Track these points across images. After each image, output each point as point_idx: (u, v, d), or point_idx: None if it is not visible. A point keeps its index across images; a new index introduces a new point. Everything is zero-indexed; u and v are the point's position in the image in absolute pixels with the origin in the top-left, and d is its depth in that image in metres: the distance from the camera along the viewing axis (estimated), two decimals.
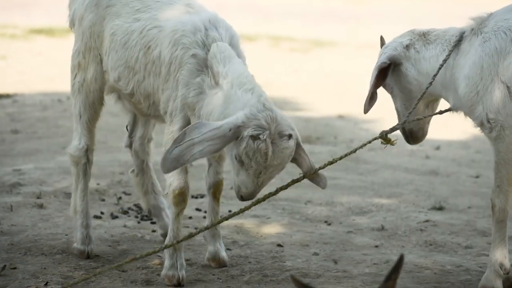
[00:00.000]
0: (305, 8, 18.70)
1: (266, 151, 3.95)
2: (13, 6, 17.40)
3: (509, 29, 4.15)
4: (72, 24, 4.89)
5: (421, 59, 4.42)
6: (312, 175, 4.19)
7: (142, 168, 5.18)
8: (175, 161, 3.98)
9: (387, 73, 4.49)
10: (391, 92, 4.57)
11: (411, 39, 4.45)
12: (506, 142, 4.15)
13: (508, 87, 4.11)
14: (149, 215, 5.30)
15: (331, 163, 4.17)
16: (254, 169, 3.99)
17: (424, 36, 4.45)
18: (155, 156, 6.85)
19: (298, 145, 4.13)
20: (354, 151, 4.24)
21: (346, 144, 7.84)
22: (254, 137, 3.95)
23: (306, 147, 8.31)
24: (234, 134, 3.97)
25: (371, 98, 4.52)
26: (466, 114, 4.30)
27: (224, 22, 4.45)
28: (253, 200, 4.08)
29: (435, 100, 4.54)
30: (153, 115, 4.66)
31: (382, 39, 4.65)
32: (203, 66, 4.33)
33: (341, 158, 4.25)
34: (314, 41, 14.26)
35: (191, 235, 4.03)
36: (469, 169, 7.14)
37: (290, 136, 4.04)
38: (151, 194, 5.17)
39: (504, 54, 4.13)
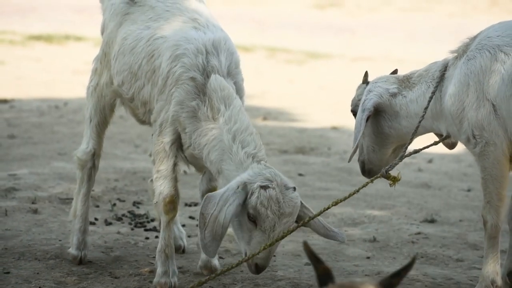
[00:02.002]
0: (301, 20, 18.77)
1: (278, 197, 4.08)
2: (12, 12, 17.43)
3: (493, 48, 4.17)
4: (102, 32, 4.98)
5: (408, 103, 4.42)
6: (307, 222, 4.24)
7: None
8: (214, 241, 4.10)
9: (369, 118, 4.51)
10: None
11: (399, 87, 4.46)
12: (491, 159, 4.17)
13: (493, 105, 4.13)
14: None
15: (325, 209, 4.24)
16: (270, 219, 4.07)
17: (408, 81, 4.47)
18: (143, 162, 6.89)
19: (301, 202, 4.25)
20: (357, 190, 4.32)
21: (339, 156, 7.87)
22: (265, 187, 4.08)
23: (299, 158, 8.35)
24: (243, 190, 4.10)
25: (357, 146, 4.52)
26: (457, 135, 4.31)
27: (227, 46, 4.48)
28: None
29: (402, 145, 4.56)
30: (148, 122, 4.71)
31: (366, 74, 4.64)
32: (200, 92, 4.39)
33: (339, 201, 4.28)
34: (310, 52, 14.32)
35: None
36: (461, 182, 7.18)
37: (294, 188, 4.17)
38: None
39: (489, 72, 4.15)
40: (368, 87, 4.52)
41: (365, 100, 4.46)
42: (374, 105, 4.44)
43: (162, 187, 4.46)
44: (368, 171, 4.64)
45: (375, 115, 4.48)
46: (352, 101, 4.64)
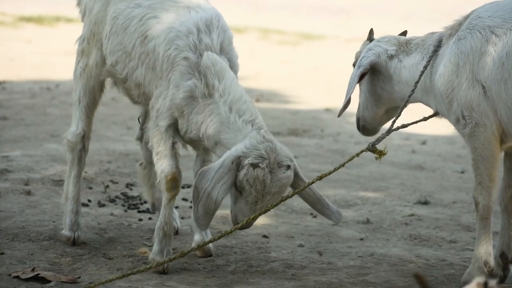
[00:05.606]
0: (295, 1, 18.73)
1: (264, 178, 4.13)
2: None
3: (484, 29, 4.15)
4: (83, 16, 4.97)
5: (402, 68, 4.45)
6: (300, 190, 4.27)
7: (151, 161, 5.17)
8: (206, 215, 4.17)
9: (364, 76, 4.54)
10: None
11: (397, 50, 4.48)
12: (482, 139, 4.17)
13: (483, 86, 4.13)
14: (152, 208, 5.32)
15: (320, 178, 4.25)
16: (253, 196, 4.16)
17: (407, 46, 4.48)
18: (136, 144, 6.87)
19: (296, 175, 4.27)
20: (343, 165, 4.34)
21: (333, 137, 7.88)
22: (254, 165, 4.13)
23: (293, 139, 8.36)
24: (237, 165, 4.15)
25: (348, 102, 4.56)
26: (446, 114, 4.32)
27: (219, 23, 4.49)
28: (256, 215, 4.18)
29: (395, 108, 4.56)
30: (144, 104, 4.72)
31: (371, 32, 4.67)
32: (195, 70, 4.40)
33: (329, 173, 4.31)
34: (304, 34, 14.30)
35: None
36: (455, 164, 7.20)
37: (288, 166, 4.18)
38: (156, 188, 5.19)
39: (479, 53, 4.14)
40: (370, 45, 4.57)
41: (363, 57, 4.51)
42: (370, 63, 4.48)
43: (163, 165, 4.47)
44: (362, 128, 4.70)
45: (371, 74, 4.52)
46: (356, 54, 4.69)
